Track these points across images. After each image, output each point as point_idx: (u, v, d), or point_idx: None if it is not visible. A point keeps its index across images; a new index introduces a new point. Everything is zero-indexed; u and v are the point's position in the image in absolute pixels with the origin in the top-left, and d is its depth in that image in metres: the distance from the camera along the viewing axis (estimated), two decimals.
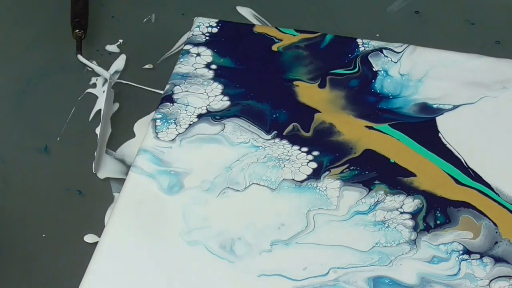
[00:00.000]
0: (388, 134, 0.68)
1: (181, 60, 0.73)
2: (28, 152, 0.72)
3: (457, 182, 0.65)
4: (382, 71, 0.72)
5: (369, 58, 0.73)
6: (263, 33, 0.75)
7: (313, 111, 0.69)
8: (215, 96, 0.70)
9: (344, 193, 0.64)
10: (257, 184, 0.64)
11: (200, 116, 0.69)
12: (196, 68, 0.72)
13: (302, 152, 0.66)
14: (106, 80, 0.76)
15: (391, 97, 0.70)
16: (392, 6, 0.83)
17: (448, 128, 0.68)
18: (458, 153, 0.66)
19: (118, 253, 0.61)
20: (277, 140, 0.67)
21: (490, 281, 0.59)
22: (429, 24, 0.82)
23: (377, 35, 0.80)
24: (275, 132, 0.68)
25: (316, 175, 0.65)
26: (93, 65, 0.77)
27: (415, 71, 0.72)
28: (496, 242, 0.61)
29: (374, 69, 0.72)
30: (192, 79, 0.72)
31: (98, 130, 0.72)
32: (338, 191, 0.64)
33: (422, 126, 0.68)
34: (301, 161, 0.66)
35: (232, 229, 0.62)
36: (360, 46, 0.74)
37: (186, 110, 0.69)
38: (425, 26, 0.81)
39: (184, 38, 0.79)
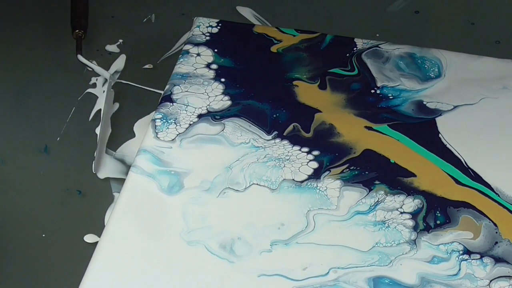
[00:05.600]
0: (388, 135, 0.68)
1: (181, 60, 0.73)
2: (28, 152, 0.72)
3: (457, 182, 0.65)
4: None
5: (365, 57, 0.73)
6: (263, 33, 0.75)
7: (313, 111, 0.69)
8: (216, 96, 0.70)
9: (344, 193, 0.64)
10: (257, 184, 0.64)
11: (200, 116, 0.69)
12: (196, 68, 0.72)
13: (302, 152, 0.66)
14: (106, 80, 0.76)
15: (391, 97, 0.70)
16: (392, 6, 0.83)
17: (448, 129, 0.68)
18: (458, 153, 0.66)
19: (118, 253, 0.61)
20: (277, 140, 0.67)
21: (490, 281, 0.59)
22: (429, 24, 0.82)
23: (377, 35, 0.80)
24: (275, 132, 0.68)
25: (316, 175, 0.65)
26: (93, 65, 0.77)
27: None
28: (496, 242, 0.61)
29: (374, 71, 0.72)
30: (192, 79, 0.72)
31: (98, 130, 0.72)
32: (338, 191, 0.64)
33: (422, 127, 0.68)
34: (301, 161, 0.66)
35: (232, 229, 0.62)
36: (360, 46, 0.74)
37: (186, 110, 0.69)
38: (425, 26, 0.81)
39: (184, 38, 0.79)
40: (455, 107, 0.69)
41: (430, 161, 0.66)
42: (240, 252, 0.61)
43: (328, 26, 0.81)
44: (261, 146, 0.67)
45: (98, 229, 0.65)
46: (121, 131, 0.73)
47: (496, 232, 0.62)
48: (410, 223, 0.62)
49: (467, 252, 0.61)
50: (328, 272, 0.60)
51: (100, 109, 0.74)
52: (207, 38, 0.75)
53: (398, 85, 0.71)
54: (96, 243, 0.63)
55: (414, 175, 0.65)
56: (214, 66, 0.73)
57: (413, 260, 0.60)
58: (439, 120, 0.68)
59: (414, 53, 0.73)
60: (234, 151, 0.66)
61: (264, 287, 0.59)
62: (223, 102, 0.70)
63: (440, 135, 0.68)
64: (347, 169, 0.65)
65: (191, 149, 0.67)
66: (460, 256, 0.60)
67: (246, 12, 0.83)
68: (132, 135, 0.73)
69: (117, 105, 0.75)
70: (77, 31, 0.79)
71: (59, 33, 0.81)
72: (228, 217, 0.63)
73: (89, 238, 0.66)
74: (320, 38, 0.75)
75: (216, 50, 0.74)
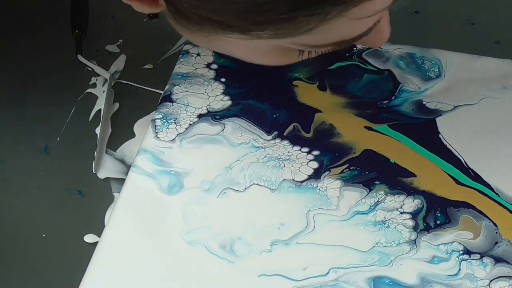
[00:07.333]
0: (388, 135, 0.68)
1: (181, 60, 0.73)
2: (28, 152, 0.72)
3: (457, 182, 0.65)
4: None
5: (366, 57, 0.73)
6: None
7: (313, 111, 0.69)
8: (216, 96, 0.70)
9: (344, 193, 0.64)
10: (257, 184, 0.64)
11: (200, 116, 0.69)
12: (196, 68, 0.72)
13: (302, 152, 0.66)
14: (106, 80, 0.76)
15: (392, 97, 0.70)
16: (392, 6, 0.83)
17: (448, 129, 0.68)
18: (458, 153, 0.66)
19: (118, 253, 0.61)
20: (277, 140, 0.67)
21: (490, 281, 0.59)
22: (429, 24, 0.82)
23: None
24: (275, 132, 0.68)
25: (316, 175, 0.65)
26: (93, 65, 0.77)
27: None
28: (496, 242, 0.61)
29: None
30: (192, 79, 0.72)
31: (98, 130, 0.72)
32: (338, 191, 0.64)
33: (422, 127, 0.68)
34: (301, 161, 0.66)
35: (232, 229, 0.62)
36: (360, 46, 0.74)
37: (186, 110, 0.69)
38: (425, 26, 0.81)
39: (184, 38, 0.79)
40: (455, 107, 0.69)
41: (430, 161, 0.66)
42: (240, 252, 0.61)
43: None
44: (261, 146, 0.67)
45: (98, 229, 0.65)
46: (121, 131, 0.73)
47: (496, 232, 0.62)
48: (410, 223, 0.62)
49: (467, 252, 0.61)
50: (328, 272, 0.60)
51: (100, 109, 0.74)
52: None
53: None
54: (96, 243, 0.63)
55: (414, 175, 0.65)
56: (214, 66, 0.72)
57: (413, 260, 0.60)
58: (439, 120, 0.68)
59: (414, 53, 0.73)
60: (234, 151, 0.66)
61: (264, 287, 0.59)
62: (223, 102, 0.70)
63: (440, 135, 0.67)
64: (347, 169, 0.65)
65: (191, 149, 0.67)
66: (460, 256, 0.60)
67: None
68: (132, 135, 0.73)
69: (117, 105, 0.75)
70: (77, 31, 0.79)
71: (59, 33, 0.81)
72: (228, 217, 0.63)
73: (89, 238, 0.66)
74: None
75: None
